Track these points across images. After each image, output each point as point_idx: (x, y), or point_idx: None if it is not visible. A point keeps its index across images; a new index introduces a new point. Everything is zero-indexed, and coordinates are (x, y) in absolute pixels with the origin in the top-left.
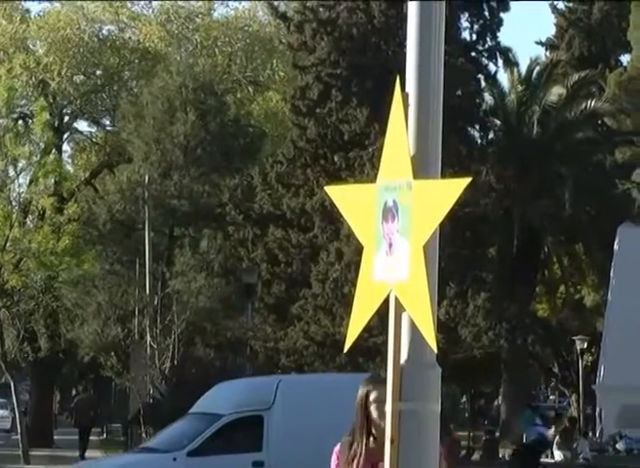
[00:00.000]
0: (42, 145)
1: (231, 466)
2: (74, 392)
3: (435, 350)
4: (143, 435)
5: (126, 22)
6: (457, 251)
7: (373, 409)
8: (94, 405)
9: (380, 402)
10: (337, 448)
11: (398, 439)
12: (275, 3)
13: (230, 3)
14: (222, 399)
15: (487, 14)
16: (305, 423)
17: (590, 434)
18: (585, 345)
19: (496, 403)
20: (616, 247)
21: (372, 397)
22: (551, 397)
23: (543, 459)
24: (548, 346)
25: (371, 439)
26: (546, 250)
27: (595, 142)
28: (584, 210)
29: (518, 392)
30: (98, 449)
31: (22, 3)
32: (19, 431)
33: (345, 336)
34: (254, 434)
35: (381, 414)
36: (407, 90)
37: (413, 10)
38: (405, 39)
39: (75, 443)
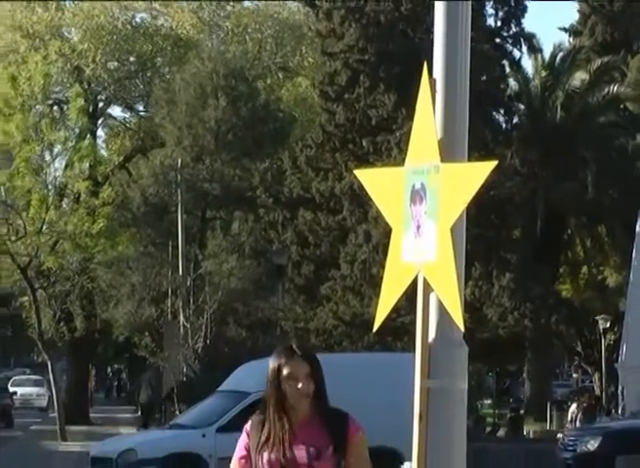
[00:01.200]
0: (77, 131)
1: None
2: (109, 370)
3: (462, 329)
4: (177, 412)
5: (159, 10)
6: (482, 232)
7: (285, 386)
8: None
9: (294, 379)
10: (247, 425)
11: (426, 416)
12: None
13: None
14: (250, 377)
15: (512, 1)
16: (331, 400)
17: (613, 411)
18: (608, 325)
19: (520, 381)
20: (638, 228)
21: (284, 372)
22: (574, 375)
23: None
24: (572, 326)
25: (285, 418)
26: (570, 231)
27: (618, 126)
28: (607, 192)
29: (542, 370)
30: (132, 426)
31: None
32: (55, 408)
33: (374, 316)
34: None
35: (293, 393)
36: (434, 76)
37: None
38: (432, 26)
39: (111, 419)
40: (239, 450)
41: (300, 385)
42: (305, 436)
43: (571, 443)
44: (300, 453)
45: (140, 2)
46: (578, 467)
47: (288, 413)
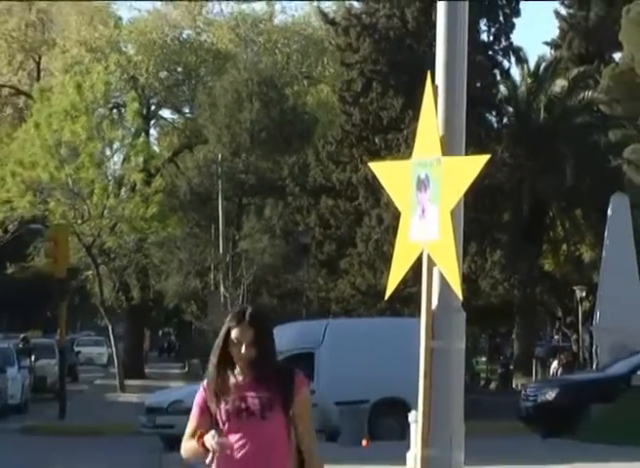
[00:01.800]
0: (133, 130)
1: None
2: (161, 333)
3: (460, 298)
4: None
5: (202, 27)
6: (477, 215)
7: (232, 348)
8: None
9: (238, 344)
10: (203, 382)
11: (430, 371)
12: (325, 11)
13: (288, 10)
14: (281, 338)
15: (501, 19)
16: (348, 358)
17: (588, 367)
18: (584, 294)
19: (509, 341)
20: (609, 212)
21: (232, 334)
22: (555, 337)
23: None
24: (553, 295)
25: (236, 371)
26: (551, 215)
27: (592, 126)
28: (583, 181)
29: (528, 333)
30: (181, 380)
31: (116, 11)
32: (115, 365)
33: (386, 287)
34: (307, 367)
35: (236, 356)
36: (436, 82)
37: (441, 16)
38: (434, 40)
39: (162, 375)
40: (197, 405)
41: (242, 350)
42: (257, 389)
43: (532, 394)
44: (254, 403)
45: (186, 20)
46: (537, 413)
47: (234, 370)
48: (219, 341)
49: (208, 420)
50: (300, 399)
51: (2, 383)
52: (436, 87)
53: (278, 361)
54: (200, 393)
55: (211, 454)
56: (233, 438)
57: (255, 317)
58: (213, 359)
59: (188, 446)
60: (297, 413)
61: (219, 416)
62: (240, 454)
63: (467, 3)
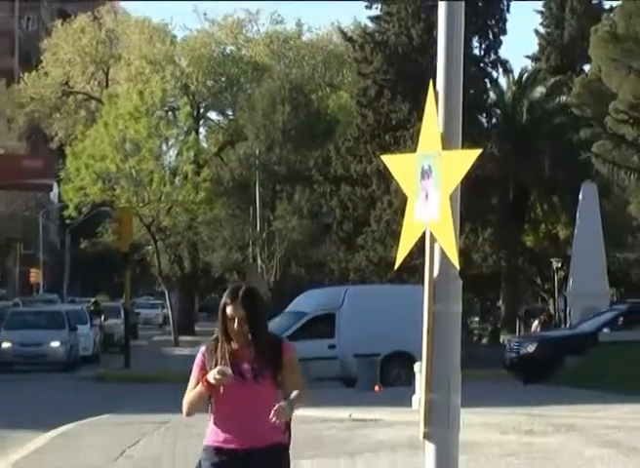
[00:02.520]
0: (185, 129)
1: (313, 348)
2: (209, 298)
3: (457, 268)
4: None
5: (242, 44)
6: (471, 200)
7: (229, 323)
8: None
9: (232, 319)
10: (202, 349)
11: (432, 330)
12: (345, 30)
13: (314, 29)
14: (307, 302)
15: (491, 36)
16: (364, 318)
17: (562, 325)
18: (559, 265)
19: (497, 304)
20: (580, 197)
21: (227, 311)
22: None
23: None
24: (533, 266)
25: (232, 343)
26: (532, 199)
27: (566, 126)
28: (559, 172)
29: (513, 297)
30: None
31: (171, 31)
32: (170, 324)
33: (395, 259)
34: (329, 326)
35: (231, 330)
36: (437, 89)
37: (441, 35)
38: (435, 55)
39: (210, 332)
40: (197, 365)
41: (235, 325)
42: (250, 358)
43: (515, 347)
44: (246, 370)
45: (229, 38)
46: (519, 363)
47: (230, 341)
48: (219, 315)
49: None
50: (288, 361)
51: (75, 339)
52: (437, 93)
53: (269, 333)
54: (200, 356)
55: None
56: (229, 399)
57: (246, 297)
58: (217, 329)
59: (190, 395)
60: (286, 373)
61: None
62: (235, 414)
63: (463, 3)
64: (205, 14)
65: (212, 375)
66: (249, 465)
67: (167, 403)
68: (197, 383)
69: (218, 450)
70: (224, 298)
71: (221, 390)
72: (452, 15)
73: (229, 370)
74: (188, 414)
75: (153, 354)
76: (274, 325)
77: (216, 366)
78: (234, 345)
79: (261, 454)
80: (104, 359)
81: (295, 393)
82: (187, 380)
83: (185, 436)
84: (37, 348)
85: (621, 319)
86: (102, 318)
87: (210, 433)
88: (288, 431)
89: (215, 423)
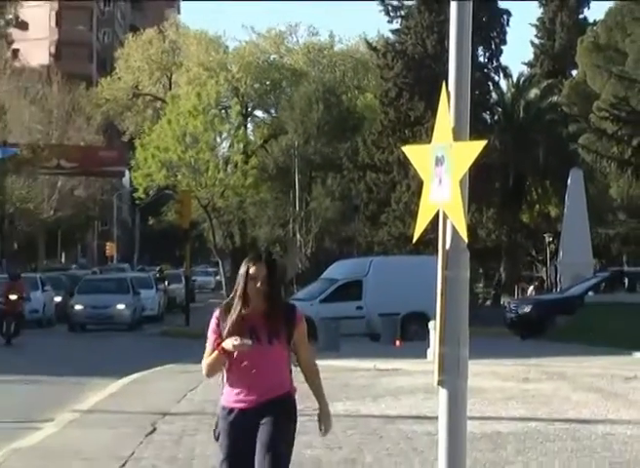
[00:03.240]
0: (235, 124)
1: (344, 309)
2: None
3: (466, 241)
4: (295, 291)
5: (283, 53)
6: (476, 184)
7: (248, 283)
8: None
9: (254, 279)
10: (216, 313)
11: (445, 293)
12: (370, 41)
13: (344, 41)
14: (339, 270)
15: (493, 46)
16: (386, 283)
17: (553, 290)
18: (551, 239)
19: (499, 272)
20: (569, 182)
21: (250, 272)
22: (532, 272)
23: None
24: (529, 240)
25: (250, 305)
26: (528, 184)
27: (557, 121)
28: (551, 160)
29: (512, 266)
30: None
31: (224, 42)
32: (223, 288)
33: (413, 234)
34: (357, 290)
35: (253, 290)
36: (449, 89)
37: (452, 44)
38: (447, 62)
39: None
40: (212, 330)
41: (258, 284)
42: (264, 321)
43: (514, 308)
44: (262, 332)
45: (272, 48)
46: (517, 322)
47: (250, 304)
48: (239, 279)
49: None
50: (299, 330)
51: (138, 302)
52: (449, 93)
53: (283, 300)
54: (214, 321)
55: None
56: (244, 360)
57: (269, 259)
58: (237, 293)
59: (208, 360)
60: (297, 340)
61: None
62: (250, 375)
63: (471, 3)
64: (252, 27)
65: (230, 343)
66: (262, 416)
67: None
68: (214, 346)
69: (232, 410)
70: (247, 262)
71: (235, 353)
72: (462, 15)
73: (249, 342)
74: (209, 376)
75: (209, 314)
76: (311, 289)
77: (230, 328)
78: (249, 310)
79: (273, 404)
80: (168, 318)
81: (325, 410)
82: None
83: None
84: (105, 310)
85: (604, 284)
86: (167, 283)
87: (226, 393)
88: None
89: (230, 384)
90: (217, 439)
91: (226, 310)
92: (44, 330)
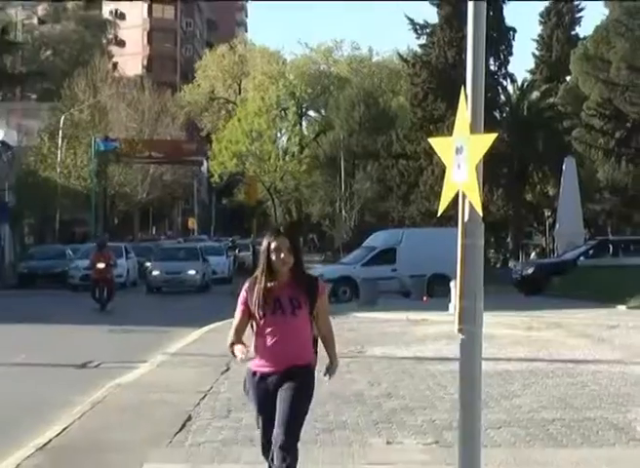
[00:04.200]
0: (292, 122)
1: (381, 271)
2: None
3: (481, 215)
4: (341, 256)
5: (331, 63)
6: (488, 169)
7: (272, 255)
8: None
9: (278, 251)
10: (245, 286)
11: (463, 257)
12: (402, 53)
13: (381, 53)
14: (377, 239)
15: (502, 57)
16: (416, 250)
17: (551, 255)
18: (549, 213)
19: (507, 241)
20: (564, 167)
21: (272, 246)
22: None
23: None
24: (531, 214)
25: (274, 278)
26: (530, 169)
27: (554, 118)
28: (549, 150)
29: (517, 236)
30: (320, 264)
31: (283, 55)
32: None
33: (437, 210)
34: (391, 256)
35: (278, 261)
36: (467, 92)
37: (469, 56)
38: (465, 70)
39: (309, 261)
40: (240, 303)
41: (282, 255)
42: (288, 292)
43: (519, 270)
44: (286, 303)
45: (322, 59)
46: (522, 281)
47: (274, 277)
48: (263, 253)
49: (247, 315)
50: (322, 300)
51: (206, 268)
52: (466, 96)
53: (306, 272)
54: (243, 294)
55: (239, 358)
56: (269, 329)
57: (288, 230)
58: (260, 267)
59: (228, 341)
60: (319, 311)
61: (257, 313)
62: (274, 341)
63: (485, 3)
64: (306, 43)
65: (237, 350)
66: (285, 380)
67: None
68: (241, 316)
69: (259, 375)
70: (267, 238)
71: (261, 323)
72: (477, 32)
73: (244, 357)
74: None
75: None
76: (354, 255)
77: (256, 300)
78: (275, 282)
79: (296, 371)
80: (237, 280)
81: (335, 362)
82: None
83: None
84: (178, 275)
85: (592, 250)
86: (237, 251)
87: (254, 359)
88: (315, 353)
89: (256, 351)
90: (247, 393)
91: (254, 283)
92: (127, 291)
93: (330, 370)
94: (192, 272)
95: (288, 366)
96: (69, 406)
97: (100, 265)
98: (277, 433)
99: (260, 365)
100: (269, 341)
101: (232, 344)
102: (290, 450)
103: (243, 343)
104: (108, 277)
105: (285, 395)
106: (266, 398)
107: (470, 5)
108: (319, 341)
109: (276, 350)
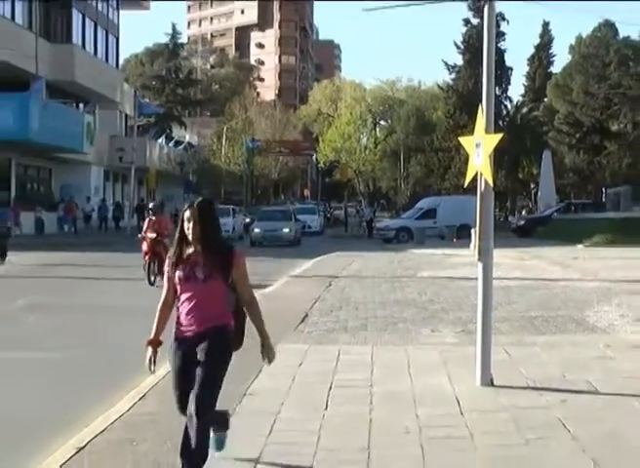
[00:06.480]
0: (369, 128)
1: (426, 223)
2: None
3: (492, 186)
4: (401, 214)
5: (394, 90)
6: (496, 157)
7: (185, 224)
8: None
9: (187, 222)
10: (170, 252)
11: (481, 213)
12: (439, 83)
13: (426, 83)
14: (424, 203)
15: (504, 86)
16: (449, 210)
17: (536, 212)
18: (534, 186)
19: (506, 204)
20: (543, 157)
21: (185, 216)
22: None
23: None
24: (522, 186)
25: (190, 247)
26: (521, 158)
27: (537, 125)
28: (533, 145)
29: (513, 200)
30: (387, 218)
31: (361, 85)
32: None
33: (464, 183)
34: (433, 214)
35: (187, 231)
36: (482, 108)
37: (484, 85)
38: (482, 94)
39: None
40: (166, 272)
41: (189, 225)
42: (203, 260)
43: (515, 221)
44: (199, 271)
45: (384, 89)
46: (517, 229)
47: (189, 245)
48: (179, 222)
49: (172, 284)
50: (238, 269)
51: (298, 226)
52: (482, 110)
53: (222, 241)
54: (166, 264)
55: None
56: (185, 295)
57: (200, 203)
58: (176, 236)
59: (155, 321)
60: (236, 278)
61: (176, 280)
62: (190, 307)
63: (494, 66)
64: (379, 78)
65: (147, 359)
66: (201, 341)
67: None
68: (167, 290)
69: (180, 339)
70: (184, 210)
71: (179, 290)
72: (489, 71)
73: (150, 366)
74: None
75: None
76: (409, 213)
77: (176, 270)
78: (190, 250)
79: (210, 332)
80: (328, 231)
81: (266, 342)
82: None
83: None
84: (274, 232)
85: (561, 209)
86: (332, 211)
87: (175, 325)
88: (242, 333)
89: (178, 317)
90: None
91: (174, 252)
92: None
93: (266, 352)
94: (286, 230)
95: (203, 328)
96: None
97: (151, 235)
98: (191, 399)
99: (182, 330)
100: (186, 307)
101: (149, 342)
102: (201, 417)
103: (159, 342)
104: (157, 250)
105: (199, 357)
106: (184, 363)
107: (485, 53)
108: (247, 320)
109: (192, 314)
